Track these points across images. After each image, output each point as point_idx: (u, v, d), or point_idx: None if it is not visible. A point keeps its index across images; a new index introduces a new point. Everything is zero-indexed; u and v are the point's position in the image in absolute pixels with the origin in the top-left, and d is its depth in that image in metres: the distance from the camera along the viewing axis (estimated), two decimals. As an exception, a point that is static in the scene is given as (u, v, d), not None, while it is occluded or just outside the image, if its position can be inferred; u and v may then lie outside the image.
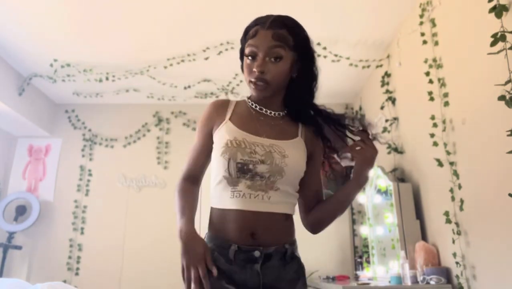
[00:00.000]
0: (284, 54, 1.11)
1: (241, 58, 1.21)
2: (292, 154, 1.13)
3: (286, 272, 1.08)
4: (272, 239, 1.07)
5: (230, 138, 1.11)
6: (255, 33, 1.12)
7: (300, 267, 1.13)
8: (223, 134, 1.13)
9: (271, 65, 1.11)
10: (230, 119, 1.16)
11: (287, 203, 1.13)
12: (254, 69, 1.11)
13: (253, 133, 1.13)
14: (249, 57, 1.13)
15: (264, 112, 1.20)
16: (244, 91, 3.77)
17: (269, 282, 1.05)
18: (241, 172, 1.08)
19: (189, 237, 1.03)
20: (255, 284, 1.04)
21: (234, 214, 1.07)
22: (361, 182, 1.16)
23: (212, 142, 1.17)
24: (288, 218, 1.13)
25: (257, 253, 1.04)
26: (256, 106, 1.20)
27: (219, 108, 1.20)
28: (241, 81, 3.69)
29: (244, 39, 1.19)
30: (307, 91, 1.23)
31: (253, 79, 1.12)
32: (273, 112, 1.20)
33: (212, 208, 1.14)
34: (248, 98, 1.24)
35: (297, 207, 1.20)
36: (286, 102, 1.24)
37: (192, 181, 1.20)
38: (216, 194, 1.13)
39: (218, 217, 1.11)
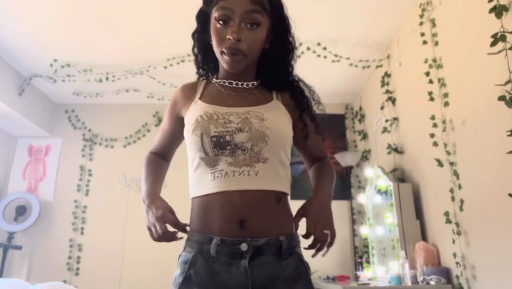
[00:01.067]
0: (262, 21, 0.97)
1: (201, 23, 1.07)
2: (271, 115, 0.98)
3: (282, 269, 0.90)
4: (264, 227, 0.90)
5: (200, 113, 0.98)
6: None
7: (300, 264, 0.94)
8: (193, 113, 1.00)
9: (248, 32, 0.96)
10: (200, 98, 1.04)
11: (279, 178, 0.96)
12: (229, 37, 0.95)
13: (225, 105, 1.00)
14: (220, 22, 0.97)
15: (235, 85, 1.06)
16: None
17: (259, 281, 0.87)
18: (219, 147, 0.93)
19: (149, 199, 0.99)
20: (242, 284, 0.86)
21: (217, 199, 0.91)
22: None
23: (180, 126, 1.06)
24: (281, 200, 0.95)
25: (244, 246, 0.87)
26: (225, 82, 1.06)
27: (188, 90, 1.09)
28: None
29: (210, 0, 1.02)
30: (283, 63, 1.09)
31: (226, 49, 0.96)
32: (245, 84, 1.06)
33: (192, 200, 0.99)
34: (214, 76, 1.11)
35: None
36: (257, 74, 1.10)
37: (159, 155, 1.16)
38: (195, 181, 0.97)
39: (199, 208, 0.95)
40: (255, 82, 1.08)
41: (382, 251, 3.01)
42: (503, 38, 1.64)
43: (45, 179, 4.10)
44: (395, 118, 3.12)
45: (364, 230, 3.41)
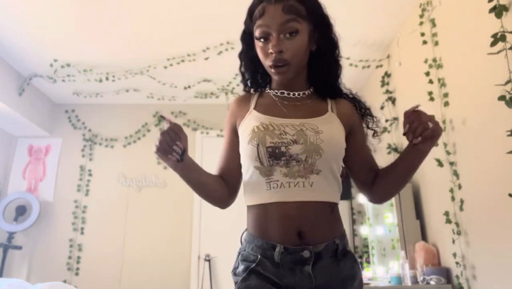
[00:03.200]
0: (299, 27, 1.00)
1: (246, 43, 1.10)
2: (326, 128, 1.00)
3: (340, 270, 0.96)
4: (321, 235, 0.95)
5: (256, 124, 1.01)
6: (263, 11, 1.00)
7: (355, 264, 1.00)
8: (248, 123, 1.03)
9: (288, 42, 0.99)
10: (254, 108, 1.07)
11: (332, 189, 1.00)
12: (270, 51, 0.99)
13: (280, 116, 1.03)
14: (261, 39, 1.01)
15: (287, 96, 1.08)
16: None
17: (322, 284, 0.93)
18: (274, 157, 0.96)
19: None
20: (307, 288, 0.92)
21: (274, 208, 0.95)
22: (425, 154, 1.05)
23: (238, 138, 1.07)
24: (335, 208, 1.02)
25: (306, 253, 0.92)
26: (277, 92, 1.09)
27: (242, 102, 1.12)
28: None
29: (249, 21, 1.06)
30: (331, 62, 1.12)
31: (271, 63, 1.00)
32: (297, 93, 1.08)
33: (248, 207, 1.03)
34: (268, 86, 1.14)
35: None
36: (310, 79, 1.12)
37: (221, 176, 1.11)
38: (250, 189, 1.02)
39: (256, 215, 0.99)
40: (308, 91, 1.10)
41: (382, 251, 3.01)
42: (503, 38, 1.64)
43: (45, 179, 4.10)
44: (395, 118, 3.11)
45: (364, 230, 3.41)
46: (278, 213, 0.95)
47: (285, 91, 1.08)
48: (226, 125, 1.13)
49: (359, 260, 3.45)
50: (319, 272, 0.93)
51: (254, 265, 0.94)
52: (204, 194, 1.07)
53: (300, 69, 1.06)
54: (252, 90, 1.17)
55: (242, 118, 1.08)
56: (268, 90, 1.12)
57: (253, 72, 1.14)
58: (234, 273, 0.99)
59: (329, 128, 1.01)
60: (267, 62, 1.02)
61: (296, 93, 1.08)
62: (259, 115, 1.04)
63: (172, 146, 0.91)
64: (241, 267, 0.97)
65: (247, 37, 1.10)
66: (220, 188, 1.08)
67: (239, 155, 1.07)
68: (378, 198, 1.12)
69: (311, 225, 0.94)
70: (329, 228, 0.98)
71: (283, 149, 0.96)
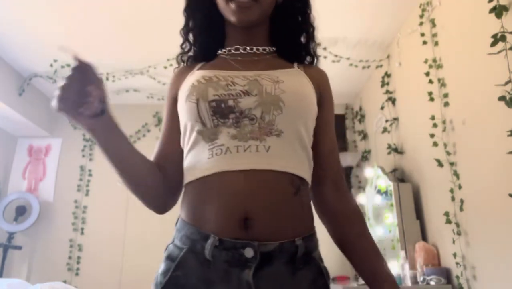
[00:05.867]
0: None
1: (194, 6, 0.90)
2: (289, 79, 0.78)
3: (296, 284, 0.69)
4: (276, 227, 0.68)
5: (197, 78, 0.79)
6: None
7: (319, 276, 0.72)
8: (188, 82, 0.81)
9: None
10: (198, 69, 0.86)
11: (297, 160, 0.74)
12: None
13: (230, 70, 0.81)
14: None
15: (243, 51, 0.86)
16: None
17: None
18: (219, 114, 0.72)
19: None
20: None
21: (214, 182, 0.70)
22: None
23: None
24: (301, 188, 0.73)
25: (249, 252, 0.66)
26: (230, 51, 0.87)
27: (185, 70, 0.89)
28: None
29: None
30: (300, 16, 0.94)
31: (235, 3, 0.80)
32: (255, 48, 0.87)
33: (185, 187, 0.78)
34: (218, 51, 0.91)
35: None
36: (272, 38, 0.91)
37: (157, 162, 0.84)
38: (189, 162, 0.76)
39: (192, 193, 0.74)
40: (269, 48, 0.89)
41: (382, 251, 3.00)
42: (503, 38, 1.64)
43: (45, 179, 4.10)
44: (395, 119, 3.11)
45: (364, 230, 3.40)
46: (219, 189, 0.70)
47: (240, 47, 0.86)
48: (166, 101, 0.90)
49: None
50: (265, 282, 0.66)
51: (173, 270, 0.69)
52: (134, 182, 0.81)
53: (264, 17, 0.87)
54: (193, 56, 0.94)
55: (183, 82, 0.85)
56: (219, 52, 0.90)
57: (206, 37, 0.91)
58: (154, 281, 0.72)
59: (293, 80, 0.79)
60: (231, 6, 0.81)
61: (255, 48, 0.87)
62: (202, 71, 0.82)
63: (85, 94, 0.66)
64: (161, 269, 0.73)
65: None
66: (155, 178, 0.80)
67: (178, 129, 0.82)
68: (320, 213, 0.86)
69: (264, 209, 0.68)
70: (291, 218, 0.71)
71: (230, 102, 0.73)
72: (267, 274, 0.67)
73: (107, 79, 3.68)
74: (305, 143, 0.77)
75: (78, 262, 3.83)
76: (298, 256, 0.69)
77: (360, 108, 3.98)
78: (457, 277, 2.15)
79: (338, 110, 4.27)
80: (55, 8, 2.82)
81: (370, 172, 3.22)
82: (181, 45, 0.93)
